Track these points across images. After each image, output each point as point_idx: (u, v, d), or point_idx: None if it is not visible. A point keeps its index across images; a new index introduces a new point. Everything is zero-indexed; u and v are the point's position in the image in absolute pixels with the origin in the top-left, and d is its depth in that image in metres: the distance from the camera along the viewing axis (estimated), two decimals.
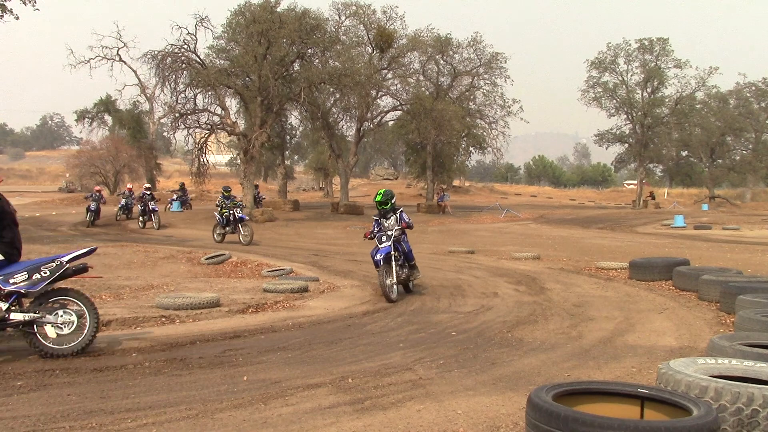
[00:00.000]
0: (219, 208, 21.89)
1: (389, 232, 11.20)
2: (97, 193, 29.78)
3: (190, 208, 37.73)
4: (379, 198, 11.61)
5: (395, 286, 10.98)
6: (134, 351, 7.01)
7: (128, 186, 35.35)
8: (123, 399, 5.28)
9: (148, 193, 28.73)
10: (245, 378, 5.98)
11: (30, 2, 27.16)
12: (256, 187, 26.18)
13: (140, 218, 28.88)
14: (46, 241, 21.86)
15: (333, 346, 7.44)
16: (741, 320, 7.64)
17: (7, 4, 26.77)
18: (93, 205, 28.78)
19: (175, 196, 39.00)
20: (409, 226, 11.54)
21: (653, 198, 57.32)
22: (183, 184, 36.83)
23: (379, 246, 11.11)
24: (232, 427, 4.72)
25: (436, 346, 7.43)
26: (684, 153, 64.52)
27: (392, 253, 11.03)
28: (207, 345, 7.42)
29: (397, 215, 11.54)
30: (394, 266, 11.03)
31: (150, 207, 28.18)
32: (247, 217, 22.16)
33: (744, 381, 4.43)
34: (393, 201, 11.63)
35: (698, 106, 57.37)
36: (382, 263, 10.87)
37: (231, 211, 21.34)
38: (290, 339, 7.79)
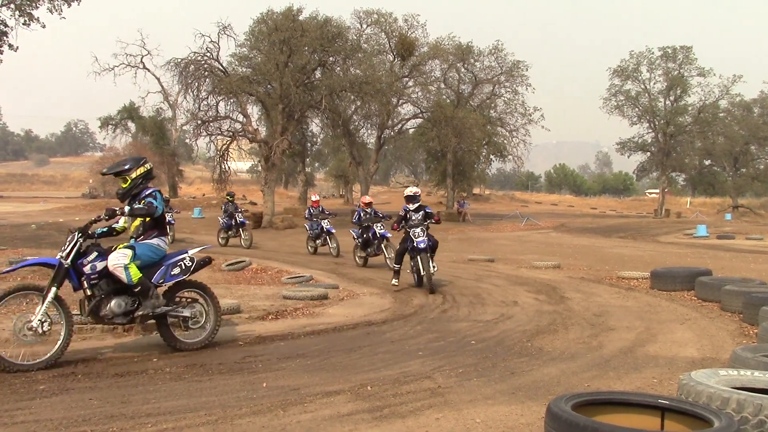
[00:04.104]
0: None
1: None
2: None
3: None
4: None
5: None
6: (155, 356, 7.07)
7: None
8: (144, 404, 5.32)
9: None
10: (264, 384, 6.01)
11: (56, 11, 27.59)
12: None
13: None
14: None
15: (352, 354, 7.45)
16: (764, 331, 7.54)
17: (34, 12, 27.21)
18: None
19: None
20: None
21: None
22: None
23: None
24: None
25: (455, 354, 7.42)
26: (707, 162, 63.95)
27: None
28: (227, 351, 7.46)
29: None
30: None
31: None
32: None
33: (767, 393, 4.38)
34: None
35: (722, 114, 56.87)
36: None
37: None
38: (309, 346, 7.81)
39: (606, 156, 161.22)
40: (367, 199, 18.49)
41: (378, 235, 16.58)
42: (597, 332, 8.87)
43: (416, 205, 13.02)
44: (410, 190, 13.38)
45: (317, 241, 20.50)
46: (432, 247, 12.57)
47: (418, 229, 12.46)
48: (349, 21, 40.68)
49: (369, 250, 16.99)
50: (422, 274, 12.43)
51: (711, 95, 54.31)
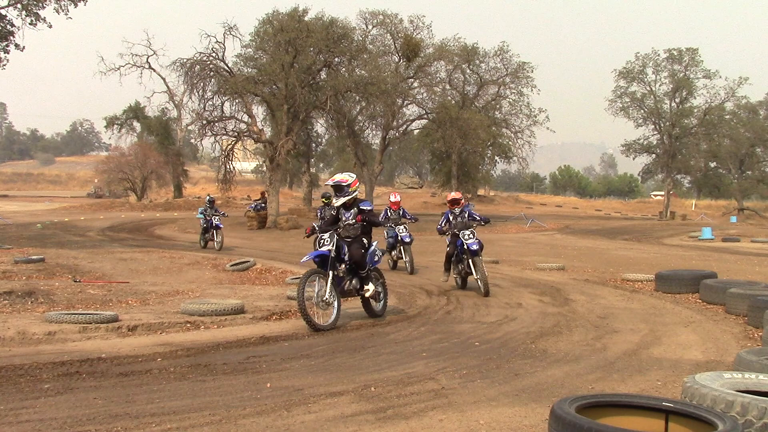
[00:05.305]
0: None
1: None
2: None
3: None
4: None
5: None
6: (159, 356, 7.08)
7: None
8: (148, 404, 5.32)
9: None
10: (269, 385, 6.01)
11: (63, 11, 27.66)
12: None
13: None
14: (74, 246, 22.15)
15: (356, 355, 7.45)
16: None
17: (40, 12, 27.28)
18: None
19: None
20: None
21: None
22: None
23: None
24: None
25: (459, 356, 7.41)
26: (712, 164, 63.70)
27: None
28: (231, 351, 7.47)
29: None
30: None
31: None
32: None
33: None
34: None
35: (727, 116, 56.74)
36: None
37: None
38: (313, 346, 7.81)
39: (611, 158, 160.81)
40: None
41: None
42: (601, 334, 8.86)
43: (343, 199, 9.43)
44: (334, 178, 9.58)
45: (393, 253, 16.36)
46: (355, 261, 9.25)
47: (326, 235, 9.19)
48: (354, 22, 40.80)
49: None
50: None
51: (717, 97, 54.30)
